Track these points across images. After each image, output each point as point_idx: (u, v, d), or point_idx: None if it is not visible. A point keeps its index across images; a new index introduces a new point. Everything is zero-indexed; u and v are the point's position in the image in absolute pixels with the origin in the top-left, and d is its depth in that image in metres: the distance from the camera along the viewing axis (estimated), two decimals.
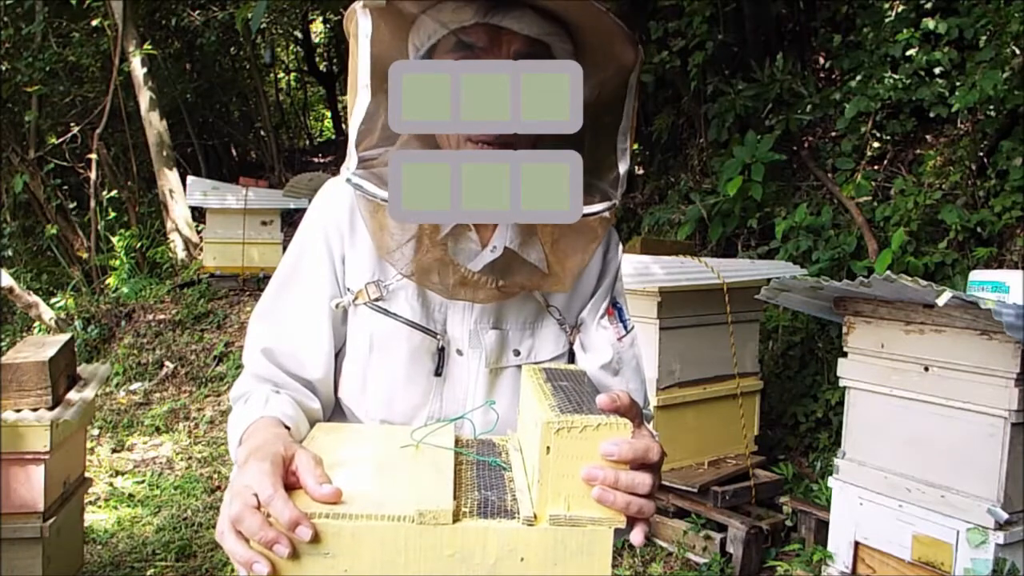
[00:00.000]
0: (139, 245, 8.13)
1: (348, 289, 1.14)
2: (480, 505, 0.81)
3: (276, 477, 0.81)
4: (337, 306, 1.13)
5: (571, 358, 1.21)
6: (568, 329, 1.19)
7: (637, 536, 0.82)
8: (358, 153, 1.05)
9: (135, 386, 5.79)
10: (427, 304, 1.14)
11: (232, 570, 3.39)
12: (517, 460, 0.93)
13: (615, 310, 1.23)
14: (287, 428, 1.00)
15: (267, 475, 0.80)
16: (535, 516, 0.79)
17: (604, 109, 1.10)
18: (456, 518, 0.78)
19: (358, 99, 1.03)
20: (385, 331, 1.13)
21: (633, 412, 0.87)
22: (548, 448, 0.78)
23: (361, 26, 1.02)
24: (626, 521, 0.81)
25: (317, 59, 13.68)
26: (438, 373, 1.14)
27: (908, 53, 4.59)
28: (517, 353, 1.17)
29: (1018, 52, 4.14)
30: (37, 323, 6.46)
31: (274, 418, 1.00)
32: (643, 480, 0.81)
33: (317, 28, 13.43)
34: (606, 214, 1.09)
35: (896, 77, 4.57)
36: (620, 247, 1.26)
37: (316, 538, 0.76)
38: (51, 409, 2.61)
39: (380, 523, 0.77)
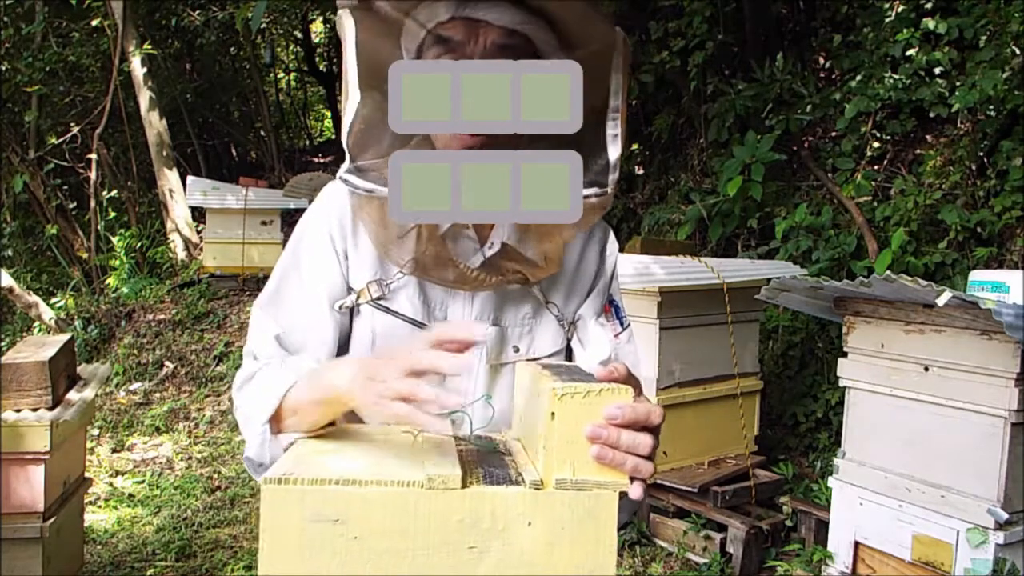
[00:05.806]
0: (139, 245, 8.14)
1: (351, 288, 1.15)
2: (486, 476, 0.82)
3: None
4: (340, 308, 1.14)
5: (568, 354, 1.22)
6: (566, 325, 1.20)
7: (636, 491, 0.83)
8: (352, 152, 1.06)
9: (135, 386, 5.80)
10: (428, 302, 1.15)
11: (232, 570, 3.38)
12: (517, 447, 0.94)
13: (612, 308, 1.25)
14: None
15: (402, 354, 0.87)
16: (542, 481, 0.80)
17: (592, 97, 1.10)
18: (464, 484, 0.79)
19: (349, 99, 1.04)
20: (387, 329, 1.14)
21: (632, 382, 0.88)
22: (553, 414, 0.80)
23: (345, 27, 1.03)
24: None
25: (317, 59, 13.67)
26: None
27: (908, 53, 4.59)
28: (516, 349, 1.18)
29: (1018, 52, 4.14)
30: (37, 323, 6.46)
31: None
32: (644, 441, 0.82)
33: (317, 28, 13.42)
34: (594, 200, 1.07)
35: (896, 77, 4.57)
36: (616, 245, 1.27)
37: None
38: (51, 409, 2.61)
39: (390, 489, 0.78)
